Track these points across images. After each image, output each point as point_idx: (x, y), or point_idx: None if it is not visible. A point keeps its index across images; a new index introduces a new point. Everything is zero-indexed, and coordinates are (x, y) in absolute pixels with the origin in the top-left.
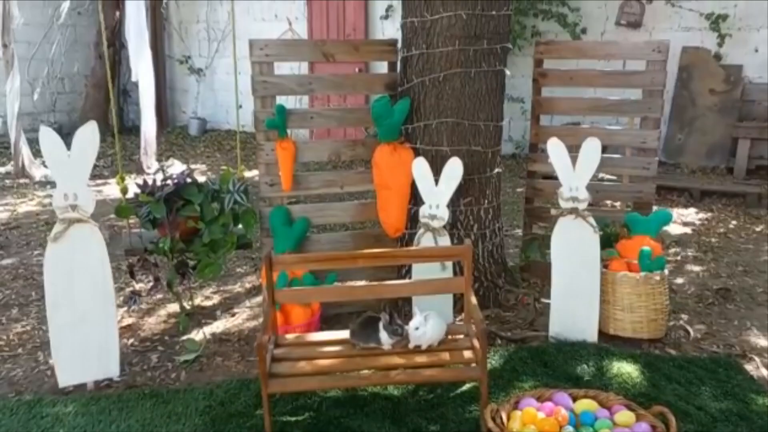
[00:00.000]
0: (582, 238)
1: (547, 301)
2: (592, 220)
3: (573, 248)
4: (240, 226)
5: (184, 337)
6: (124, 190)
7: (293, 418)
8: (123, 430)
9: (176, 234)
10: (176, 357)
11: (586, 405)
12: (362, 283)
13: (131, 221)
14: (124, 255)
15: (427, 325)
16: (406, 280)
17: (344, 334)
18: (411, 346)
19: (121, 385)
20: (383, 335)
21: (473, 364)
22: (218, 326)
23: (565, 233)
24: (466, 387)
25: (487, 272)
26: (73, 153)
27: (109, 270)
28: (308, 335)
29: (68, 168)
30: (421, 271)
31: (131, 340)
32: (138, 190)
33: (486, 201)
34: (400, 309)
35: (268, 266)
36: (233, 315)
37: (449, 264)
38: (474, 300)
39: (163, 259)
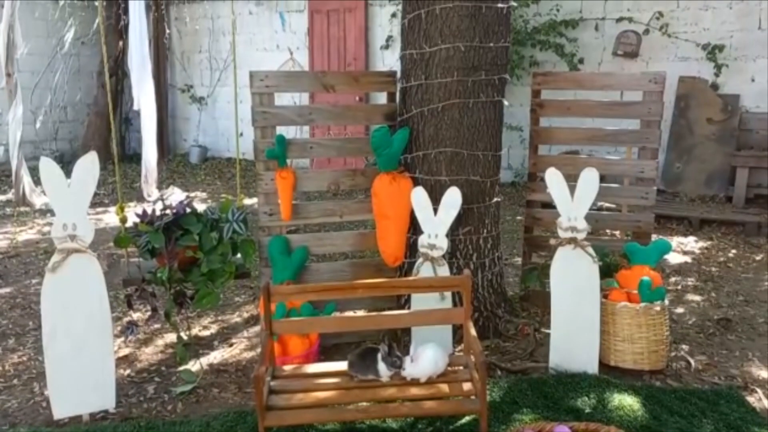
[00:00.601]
0: (581, 268)
1: (547, 331)
2: (591, 250)
3: (572, 278)
4: (239, 255)
5: (181, 368)
6: (124, 220)
7: None
8: None
9: (174, 264)
10: (173, 388)
11: None
12: (361, 313)
13: (130, 250)
14: (122, 285)
15: (419, 359)
16: (405, 311)
17: (342, 365)
18: (408, 378)
19: (117, 417)
20: (382, 367)
21: (473, 397)
22: (215, 357)
23: (565, 263)
24: (465, 419)
25: (486, 302)
26: (73, 183)
27: (106, 301)
28: (306, 366)
29: (67, 198)
30: (421, 300)
31: (128, 371)
32: (137, 219)
33: (485, 230)
34: (400, 339)
35: (266, 297)
36: (231, 345)
37: (448, 293)
38: (473, 331)
39: (161, 289)
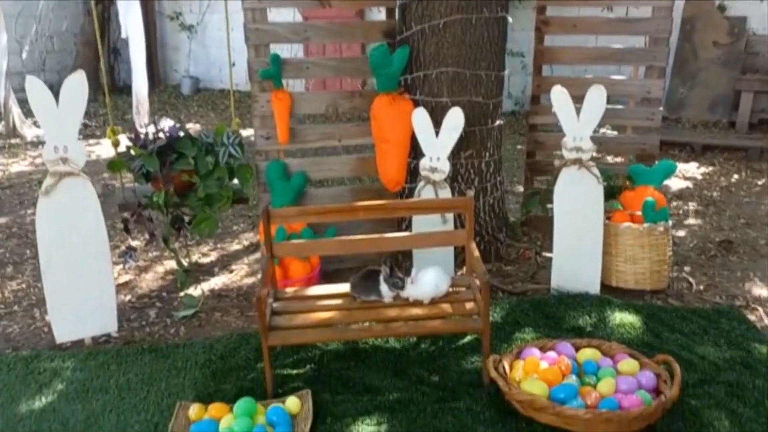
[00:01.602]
0: (585, 189)
1: (548, 255)
2: (596, 170)
3: (576, 199)
4: (236, 180)
5: (182, 293)
6: (116, 143)
7: (294, 371)
8: (122, 383)
9: (170, 188)
10: (175, 313)
11: (589, 354)
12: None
13: (125, 177)
14: (118, 210)
15: (420, 280)
16: (407, 233)
17: (344, 287)
18: (411, 299)
19: (120, 341)
20: (384, 288)
21: (475, 316)
22: (216, 282)
23: (569, 184)
24: (467, 339)
25: (488, 226)
26: (62, 104)
27: (102, 224)
28: (308, 289)
29: (57, 119)
30: (422, 224)
31: (129, 297)
32: (130, 144)
33: (487, 154)
34: (401, 264)
35: (266, 219)
36: (231, 271)
37: (450, 217)
38: (476, 252)
39: (159, 215)
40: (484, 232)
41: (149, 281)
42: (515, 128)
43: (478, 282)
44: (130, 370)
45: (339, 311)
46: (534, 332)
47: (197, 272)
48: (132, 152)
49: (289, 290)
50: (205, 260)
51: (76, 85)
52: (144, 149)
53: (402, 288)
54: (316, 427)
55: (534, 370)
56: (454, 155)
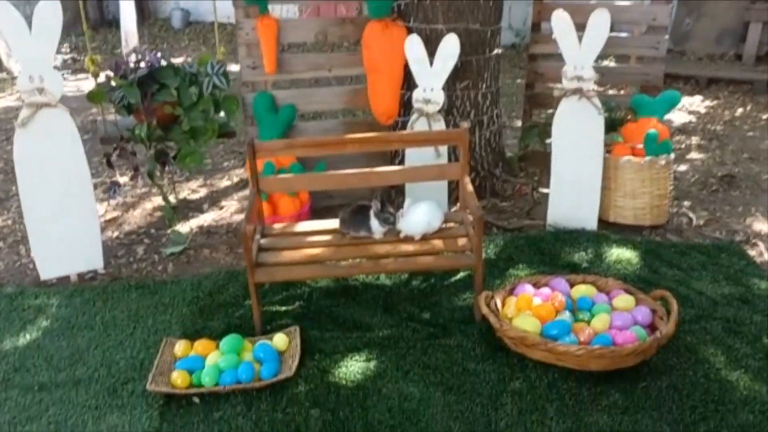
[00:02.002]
0: (585, 120)
1: (545, 191)
2: (597, 101)
3: (575, 131)
4: (222, 113)
5: (170, 230)
6: (95, 74)
7: (283, 308)
8: (107, 320)
9: (153, 120)
10: (163, 249)
11: (583, 290)
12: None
13: (107, 110)
14: (100, 143)
15: (411, 214)
16: (398, 167)
17: (334, 223)
18: (401, 235)
19: (107, 278)
20: (374, 223)
21: (468, 252)
22: (205, 219)
23: (568, 115)
24: (460, 275)
25: (483, 161)
26: (35, 30)
27: (83, 158)
28: (296, 225)
29: (31, 47)
30: (415, 158)
31: (116, 233)
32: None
33: (484, 85)
34: (394, 201)
35: (251, 153)
36: (221, 208)
37: (444, 150)
38: (470, 186)
39: (144, 149)
40: (480, 168)
41: (137, 217)
42: (515, 62)
43: (471, 217)
44: (116, 307)
45: (328, 247)
46: (528, 269)
47: (186, 209)
48: (112, 83)
49: (277, 226)
50: (195, 196)
51: (49, 11)
52: (124, 79)
53: (393, 224)
54: (304, 363)
55: (527, 307)
56: (449, 86)
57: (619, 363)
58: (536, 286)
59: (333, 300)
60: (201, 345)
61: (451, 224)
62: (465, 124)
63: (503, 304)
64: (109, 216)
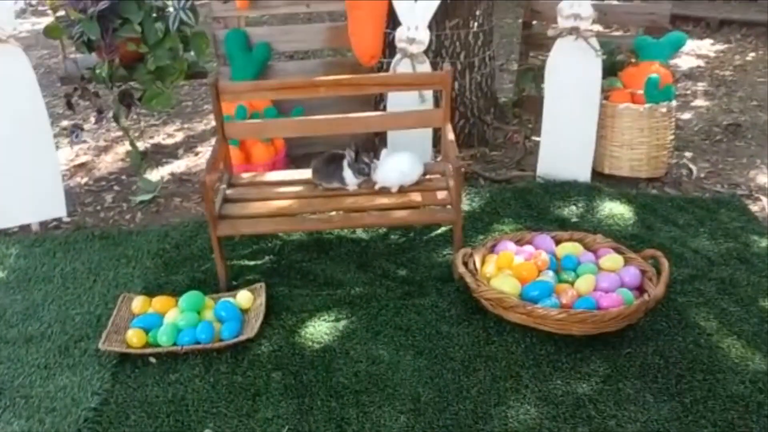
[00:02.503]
0: (581, 63)
1: (538, 139)
2: (595, 41)
3: (570, 75)
4: (192, 52)
5: (134, 178)
6: (54, 8)
7: (251, 262)
8: (67, 272)
9: (115, 58)
10: (132, 197)
11: (569, 249)
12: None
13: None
14: (59, 83)
15: (386, 164)
16: (377, 113)
17: (306, 173)
18: (377, 187)
19: (71, 226)
20: (348, 174)
21: (447, 206)
22: (179, 166)
23: (563, 57)
24: (441, 230)
25: (474, 107)
26: None
27: (40, 99)
28: (266, 174)
29: None
30: (398, 104)
31: (85, 179)
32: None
33: (476, 23)
34: (376, 148)
35: (215, 95)
36: (196, 154)
37: (429, 96)
38: (451, 135)
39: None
40: (470, 114)
41: (108, 163)
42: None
43: (451, 168)
44: (77, 259)
45: (298, 199)
46: (514, 223)
47: (159, 154)
48: (71, 17)
49: (245, 176)
50: (170, 141)
51: None
52: (83, 13)
53: (368, 174)
54: (269, 322)
55: (507, 266)
56: (438, 25)
57: (603, 327)
58: (519, 243)
59: (305, 254)
60: (159, 302)
61: (433, 176)
62: (448, 66)
63: (483, 263)
64: (79, 160)
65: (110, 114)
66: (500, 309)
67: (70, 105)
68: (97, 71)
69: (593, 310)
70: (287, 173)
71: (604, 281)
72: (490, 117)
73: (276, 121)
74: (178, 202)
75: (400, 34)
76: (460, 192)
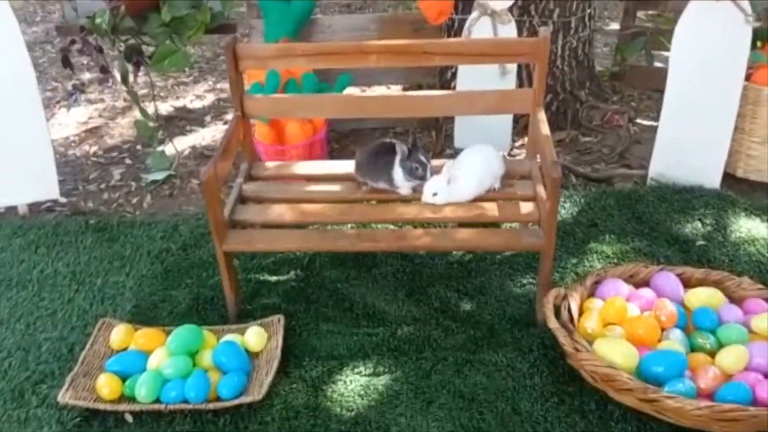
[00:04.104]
0: (723, 31)
1: (646, 123)
2: (746, 2)
3: (706, 46)
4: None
5: (150, 150)
6: None
7: (272, 278)
8: (47, 275)
9: (120, 5)
10: (144, 175)
11: (704, 297)
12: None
13: None
14: (56, 33)
15: (453, 186)
16: (444, 92)
17: (348, 165)
18: (424, 199)
19: (67, 209)
20: (397, 174)
21: (533, 225)
22: (203, 136)
23: (697, 22)
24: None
25: (566, 79)
26: None
27: (26, 59)
28: (296, 165)
29: None
30: (470, 78)
31: (94, 148)
32: None
33: None
34: (441, 128)
35: (231, 59)
36: (225, 122)
37: (512, 69)
38: (546, 128)
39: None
40: (560, 88)
41: (124, 129)
42: None
43: (545, 171)
44: (62, 257)
45: (334, 204)
46: (618, 242)
47: (183, 120)
48: None
49: (271, 165)
50: (198, 104)
51: None
52: None
53: (422, 178)
54: (286, 369)
55: (618, 320)
56: None
57: (763, 428)
58: (631, 280)
59: (340, 272)
60: (145, 336)
61: (513, 179)
62: (544, 31)
63: (581, 311)
64: (91, 124)
65: (117, 73)
66: (607, 386)
67: (66, 62)
68: (98, 21)
69: (748, 407)
70: (324, 165)
71: (761, 355)
72: (584, 92)
73: (310, 97)
74: (196, 184)
75: None
76: (556, 210)
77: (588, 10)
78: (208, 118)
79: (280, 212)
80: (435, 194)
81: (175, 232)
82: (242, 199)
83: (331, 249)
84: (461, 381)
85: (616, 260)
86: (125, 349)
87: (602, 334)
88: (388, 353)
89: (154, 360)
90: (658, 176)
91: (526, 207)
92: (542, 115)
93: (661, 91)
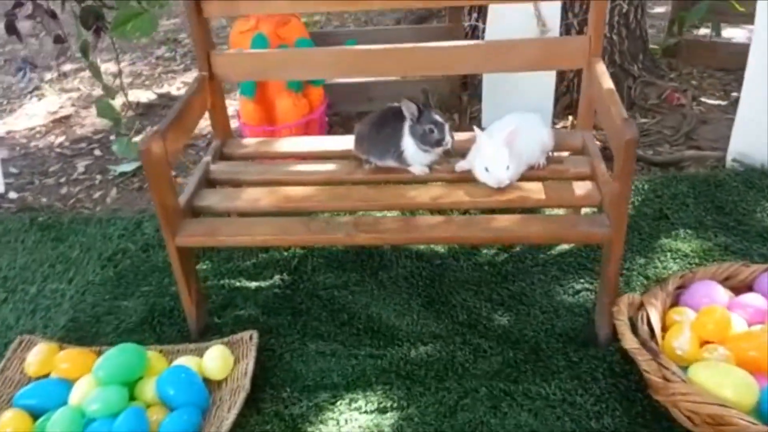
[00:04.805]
0: None
1: (714, 101)
2: None
3: None
4: None
5: (115, 138)
6: None
7: (251, 284)
8: None
9: None
10: (111, 167)
11: None
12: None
13: None
14: None
15: (496, 156)
16: (470, 41)
17: (347, 141)
18: (458, 168)
19: (15, 205)
20: (407, 144)
21: (591, 210)
22: None
23: None
24: (565, 247)
25: (615, 51)
26: None
27: None
28: (279, 141)
29: None
30: (502, 27)
31: (60, 139)
32: None
33: None
34: (465, 110)
35: (193, 4)
36: None
37: (555, 17)
38: (609, 81)
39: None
40: (609, 60)
41: (97, 118)
42: None
43: (615, 140)
44: None
45: (325, 187)
46: (697, 237)
47: (166, 108)
48: None
49: (248, 142)
50: (177, 81)
51: None
52: None
53: (441, 144)
54: (258, 403)
55: (719, 336)
56: None
57: None
58: (728, 284)
59: (337, 275)
60: (69, 358)
61: (562, 153)
62: None
63: (665, 324)
64: (61, 113)
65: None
66: (715, 431)
67: (11, 28)
68: None
69: None
70: (314, 140)
71: None
72: (637, 67)
73: (297, 52)
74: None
75: None
76: (629, 186)
77: None
78: None
79: (256, 197)
80: (508, 167)
81: (137, 230)
82: (210, 183)
83: (320, 242)
84: (498, 422)
85: (697, 260)
86: (46, 375)
87: (698, 356)
88: (399, 382)
89: (78, 392)
90: (740, 157)
91: (582, 187)
92: (602, 67)
93: (726, 70)
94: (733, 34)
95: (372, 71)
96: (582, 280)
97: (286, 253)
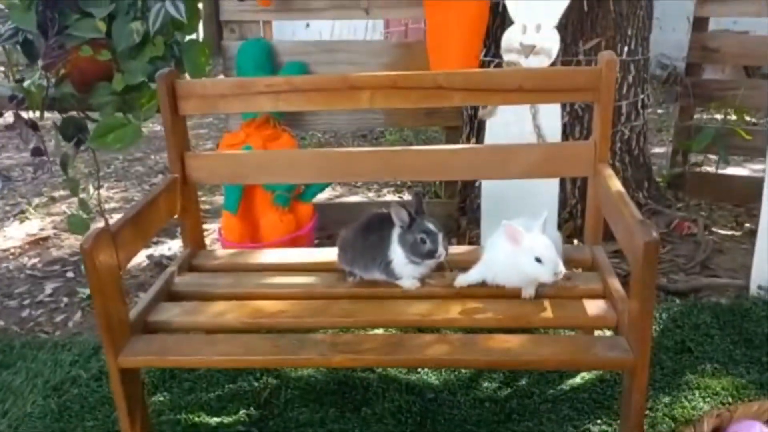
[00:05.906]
0: None
1: (727, 232)
2: None
3: None
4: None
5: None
6: None
7: (213, 420)
8: None
9: (59, 69)
10: (81, 289)
11: None
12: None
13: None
14: None
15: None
16: (469, 145)
17: (331, 253)
18: (458, 283)
19: None
20: (396, 254)
21: (607, 332)
22: (171, 246)
23: None
24: (583, 377)
25: (620, 177)
26: None
27: None
28: (256, 253)
29: None
30: (500, 131)
31: (34, 261)
32: None
33: (626, 48)
34: (468, 202)
35: (168, 98)
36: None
37: (556, 126)
38: (618, 184)
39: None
40: None
41: (77, 240)
42: None
43: (631, 251)
44: None
45: (301, 301)
46: (727, 375)
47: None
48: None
49: (222, 253)
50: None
51: None
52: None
53: (434, 256)
54: None
55: None
56: (568, 46)
57: None
58: None
59: (314, 410)
60: None
61: (575, 269)
62: (609, 55)
63: None
64: (41, 234)
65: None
66: None
67: None
68: (25, 86)
69: None
70: (295, 252)
71: None
72: (643, 194)
73: (278, 153)
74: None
75: (509, 39)
76: (653, 303)
77: (641, 96)
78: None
79: (220, 311)
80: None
81: (93, 357)
82: (172, 296)
83: (289, 363)
84: None
85: (730, 399)
86: None
87: None
88: None
89: None
90: (766, 286)
91: (595, 306)
92: (609, 171)
93: (736, 205)
94: (737, 165)
95: (362, 174)
96: (599, 421)
97: (256, 384)
